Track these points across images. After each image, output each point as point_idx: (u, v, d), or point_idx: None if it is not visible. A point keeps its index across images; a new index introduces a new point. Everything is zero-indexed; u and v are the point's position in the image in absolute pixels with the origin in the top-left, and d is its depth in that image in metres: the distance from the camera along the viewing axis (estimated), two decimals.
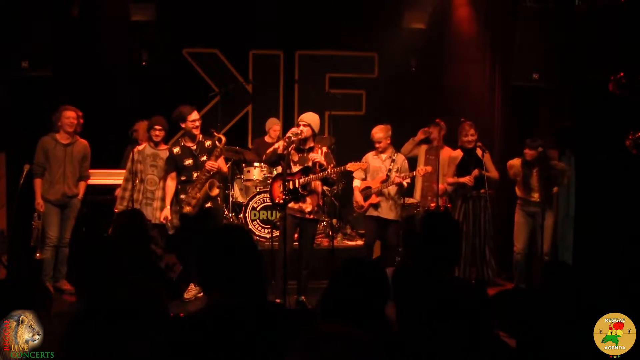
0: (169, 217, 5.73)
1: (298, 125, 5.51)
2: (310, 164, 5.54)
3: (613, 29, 5.58)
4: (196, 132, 5.65)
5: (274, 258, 5.58)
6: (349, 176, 6.78)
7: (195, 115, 5.65)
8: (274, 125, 7.68)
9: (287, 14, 7.89)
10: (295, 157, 5.58)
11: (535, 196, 6.09)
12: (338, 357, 1.51)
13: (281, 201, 5.46)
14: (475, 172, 6.02)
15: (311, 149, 5.57)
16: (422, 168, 6.20)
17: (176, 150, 5.70)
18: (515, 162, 6.22)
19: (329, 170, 5.47)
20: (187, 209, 5.61)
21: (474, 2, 7.33)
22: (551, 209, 6.10)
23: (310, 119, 5.54)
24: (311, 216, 5.60)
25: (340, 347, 1.53)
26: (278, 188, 5.58)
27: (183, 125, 5.66)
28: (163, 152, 5.90)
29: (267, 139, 7.62)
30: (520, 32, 6.23)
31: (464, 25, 7.52)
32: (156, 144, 5.96)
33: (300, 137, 5.46)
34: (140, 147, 6.01)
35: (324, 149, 5.69)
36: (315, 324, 1.79)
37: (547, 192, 6.03)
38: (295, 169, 5.56)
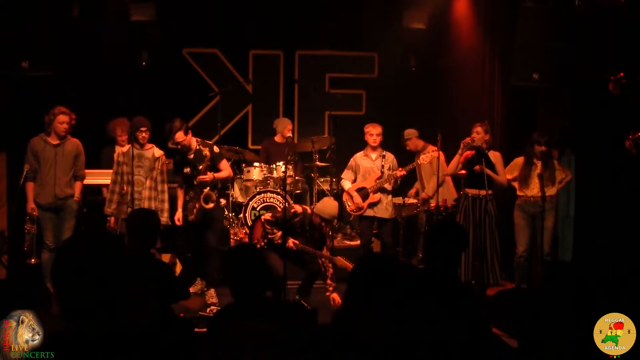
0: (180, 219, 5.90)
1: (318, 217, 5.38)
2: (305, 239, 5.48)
3: (613, 29, 5.59)
4: (184, 149, 5.78)
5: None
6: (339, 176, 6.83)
7: (178, 136, 5.66)
8: (288, 125, 7.58)
9: (287, 14, 7.88)
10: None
11: (534, 192, 6.03)
12: (260, 356, 1.52)
13: (259, 246, 5.47)
14: (477, 167, 5.98)
15: (313, 233, 5.49)
16: (427, 155, 6.11)
17: (177, 158, 5.89)
18: (519, 161, 6.16)
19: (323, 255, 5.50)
20: (190, 217, 5.80)
21: (474, 2, 7.33)
22: (552, 210, 6.07)
23: (333, 212, 5.44)
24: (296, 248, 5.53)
25: (263, 348, 1.54)
26: (260, 230, 5.56)
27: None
28: (148, 151, 5.89)
29: (277, 139, 7.61)
30: (520, 32, 6.23)
31: (464, 25, 7.52)
32: (141, 145, 5.87)
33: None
34: (124, 149, 5.91)
35: (323, 228, 5.54)
36: (242, 322, 1.82)
37: (544, 189, 5.99)
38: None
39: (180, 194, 5.93)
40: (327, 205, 5.43)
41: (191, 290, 5.75)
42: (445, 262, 2.80)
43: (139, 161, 5.83)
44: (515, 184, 6.20)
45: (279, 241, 5.36)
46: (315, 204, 5.52)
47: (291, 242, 5.39)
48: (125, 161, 5.83)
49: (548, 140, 5.93)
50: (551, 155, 6.02)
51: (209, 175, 5.68)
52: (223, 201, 6.08)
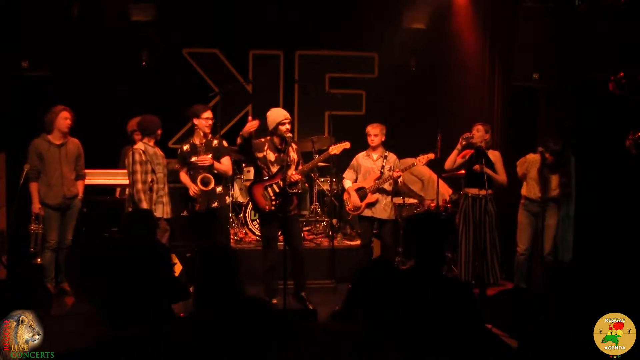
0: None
1: (283, 124, 5.48)
2: (288, 161, 5.55)
3: (613, 29, 5.58)
4: (207, 130, 5.78)
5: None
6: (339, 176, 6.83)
7: (209, 114, 5.77)
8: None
9: (287, 14, 7.89)
10: (272, 157, 5.56)
11: (554, 193, 6.02)
12: (342, 355, 1.52)
13: (272, 208, 5.46)
14: (476, 167, 5.97)
15: (286, 148, 5.57)
16: (424, 157, 6.13)
17: (185, 147, 5.84)
18: (530, 157, 6.10)
19: (304, 167, 5.68)
20: (197, 206, 5.76)
21: (474, 2, 7.33)
22: (555, 209, 6.07)
23: (284, 112, 5.58)
24: (292, 213, 5.63)
25: (345, 346, 1.54)
26: (262, 196, 5.56)
27: (196, 122, 5.78)
28: (157, 150, 5.91)
29: None
30: (520, 32, 6.22)
31: (464, 25, 7.52)
32: (156, 143, 5.92)
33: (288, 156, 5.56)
34: (142, 147, 5.83)
35: (294, 145, 5.74)
36: (318, 322, 1.82)
37: (566, 190, 5.99)
38: (274, 169, 5.56)
39: (186, 178, 5.86)
40: (273, 112, 5.58)
41: (191, 290, 5.74)
42: (433, 258, 2.81)
43: (157, 159, 5.84)
44: (524, 188, 6.15)
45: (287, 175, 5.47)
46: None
47: (293, 174, 5.50)
48: (148, 159, 5.74)
49: (557, 150, 5.89)
50: (560, 164, 6.00)
51: (209, 159, 5.68)
52: (228, 199, 6.09)
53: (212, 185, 5.71)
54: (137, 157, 5.67)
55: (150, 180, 5.70)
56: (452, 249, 6.48)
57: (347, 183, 6.20)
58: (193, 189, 5.70)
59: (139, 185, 5.64)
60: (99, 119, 7.08)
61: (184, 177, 5.84)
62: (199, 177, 5.70)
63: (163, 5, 7.21)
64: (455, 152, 6.13)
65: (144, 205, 5.58)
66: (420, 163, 6.07)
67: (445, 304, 2.50)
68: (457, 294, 2.66)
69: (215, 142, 5.83)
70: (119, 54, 7.35)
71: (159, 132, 5.86)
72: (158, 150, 5.90)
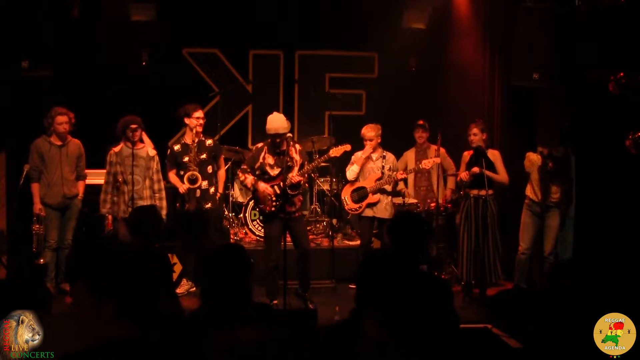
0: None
1: (273, 137, 5.48)
2: (290, 163, 5.54)
3: (613, 29, 5.58)
4: (199, 129, 5.82)
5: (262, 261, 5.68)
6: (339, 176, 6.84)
7: (200, 113, 5.82)
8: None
9: (287, 14, 7.89)
10: (271, 160, 5.57)
11: (555, 197, 6.04)
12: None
13: (273, 209, 5.48)
14: (475, 169, 5.97)
15: (286, 150, 5.56)
16: (430, 160, 6.13)
17: (177, 147, 5.89)
18: (533, 158, 6.09)
19: (310, 166, 5.64)
20: (187, 206, 5.82)
21: (474, 2, 7.33)
22: (557, 210, 6.07)
23: (277, 125, 5.47)
24: (297, 214, 5.63)
25: (261, 351, 1.55)
26: (264, 197, 5.57)
27: (187, 121, 5.82)
28: (141, 151, 5.93)
29: None
30: (520, 32, 6.21)
31: (464, 25, 7.52)
32: (133, 144, 5.90)
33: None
34: (116, 149, 5.94)
35: (298, 146, 5.72)
36: (238, 327, 1.82)
37: (569, 193, 6.02)
38: (273, 172, 5.56)
39: (174, 178, 5.90)
40: (274, 120, 5.49)
41: (178, 291, 5.75)
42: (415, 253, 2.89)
43: (134, 161, 5.86)
44: (528, 189, 6.15)
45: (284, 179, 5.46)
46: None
47: (293, 176, 5.48)
48: (118, 161, 5.87)
49: (558, 157, 5.92)
50: (561, 171, 6.02)
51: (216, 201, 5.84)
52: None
53: (199, 182, 5.74)
54: (107, 157, 5.92)
55: (119, 180, 5.81)
56: (450, 248, 6.49)
57: (351, 174, 6.16)
58: (182, 187, 5.75)
59: (103, 186, 5.87)
60: (99, 119, 7.07)
61: (172, 177, 5.89)
62: (186, 174, 5.74)
63: (163, 5, 7.21)
64: (462, 170, 6.18)
65: (105, 206, 5.86)
66: (425, 167, 6.12)
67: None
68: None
69: (209, 141, 5.88)
70: (119, 54, 7.34)
71: (128, 132, 5.84)
72: (142, 152, 5.91)
